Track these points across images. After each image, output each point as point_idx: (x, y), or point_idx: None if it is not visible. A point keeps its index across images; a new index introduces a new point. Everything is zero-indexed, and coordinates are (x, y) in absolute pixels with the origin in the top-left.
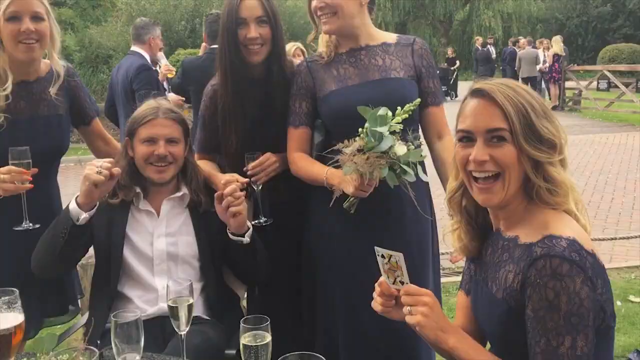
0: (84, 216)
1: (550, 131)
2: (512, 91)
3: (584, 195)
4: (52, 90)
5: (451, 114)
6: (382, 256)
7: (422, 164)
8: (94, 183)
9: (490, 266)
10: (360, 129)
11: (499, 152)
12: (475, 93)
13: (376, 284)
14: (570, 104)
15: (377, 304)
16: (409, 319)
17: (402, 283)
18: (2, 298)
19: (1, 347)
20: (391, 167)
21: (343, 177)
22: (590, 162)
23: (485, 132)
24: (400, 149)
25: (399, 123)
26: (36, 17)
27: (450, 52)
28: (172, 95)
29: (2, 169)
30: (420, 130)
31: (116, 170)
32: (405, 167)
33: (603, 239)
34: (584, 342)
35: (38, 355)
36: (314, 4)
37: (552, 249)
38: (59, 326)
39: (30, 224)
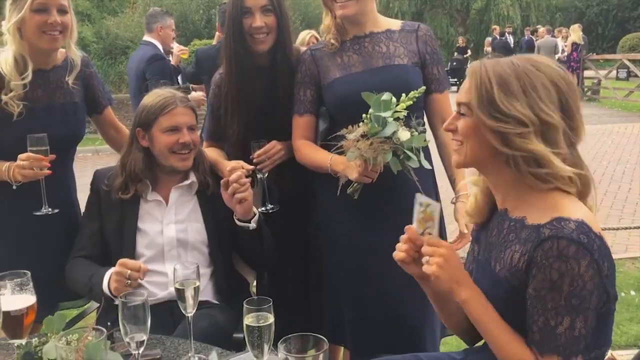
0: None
1: (517, 109)
2: (495, 68)
3: (601, 185)
4: (70, 79)
5: None
6: (421, 204)
7: (426, 151)
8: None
9: (494, 246)
10: (364, 115)
11: (459, 123)
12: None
13: (406, 228)
14: (589, 93)
15: (400, 251)
16: (425, 268)
17: (430, 235)
18: (15, 280)
19: (14, 327)
20: (395, 152)
21: (347, 163)
22: (608, 152)
23: (457, 105)
24: (404, 134)
25: (403, 109)
26: (62, 10)
27: (461, 41)
28: (194, 95)
29: (21, 155)
30: (425, 116)
31: (143, 273)
32: (408, 152)
33: (619, 229)
34: (582, 324)
35: (49, 334)
36: None
37: (560, 230)
38: (75, 310)
39: (50, 209)
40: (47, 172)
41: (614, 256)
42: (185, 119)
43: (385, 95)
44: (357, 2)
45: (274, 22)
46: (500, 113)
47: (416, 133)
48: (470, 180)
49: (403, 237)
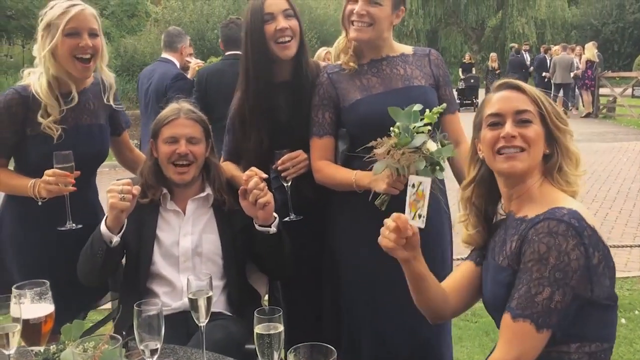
0: (116, 239)
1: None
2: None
3: (615, 203)
4: (110, 99)
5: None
6: (413, 185)
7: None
8: (121, 210)
9: (497, 244)
10: (391, 128)
11: (526, 130)
12: (503, 86)
13: (393, 217)
14: (604, 111)
15: (387, 239)
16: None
17: (420, 217)
18: (34, 289)
19: (33, 335)
20: (425, 163)
21: (374, 177)
22: (624, 170)
23: (514, 113)
24: (432, 145)
25: (427, 124)
26: (92, 33)
27: (467, 57)
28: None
29: (47, 171)
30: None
31: (136, 189)
32: (439, 161)
33: (633, 246)
34: (560, 298)
35: (66, 342)
36: (350, 7)
37: (552, 213)
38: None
39: (74, 224)
40: (72, 188)
41: (628, 274)
42: (185, 130)
43: (416, 107)
44: (373, 28)
45: (297, 26)
46: (563, 119)
47: (446, 143)
48: (457, 219)
49: (391, 224)
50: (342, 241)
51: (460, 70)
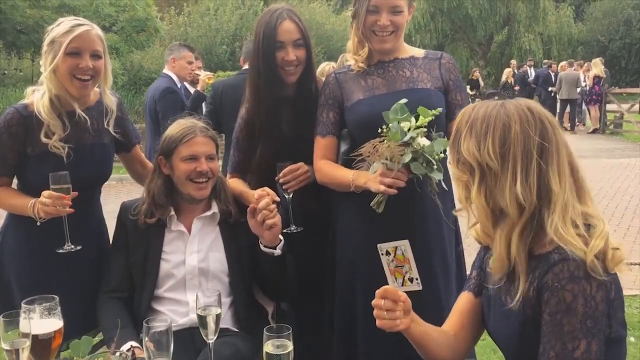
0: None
1: (469, 151)
2: (479, 111)
3: (623, 219)
4: (110, 125)
5: None
6: (387, 252)
7: (446, 175)
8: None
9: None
10: (383, 126)
11: None
12: None
13: (381, 294)
14: (611, 127)
15: (386, 320)
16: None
17: (412, 280)
18: (43, 304)
19: (41, 350)
20: (416, 158)
21: (369, 176)
22: (631, 186)
23: None
24: (424, 140)
25: (421, 126)
26: (95, 55)
27: (475, 74)
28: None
29: (44, 192)
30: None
31: None
32: (429, 157)
33: None
34: (597, 347)
35: (75, 358)
36: (372, 18)
37: (569, 253)
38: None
39: (72, 246)
40: (69, 210)
41: (637, 292)
42: (204, 149)
43: (402, 100)
44: (396, 35)
45: (304, 55)
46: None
47: (438, 137)
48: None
49: (386, 304)
50: (342, 241)
51: (468, 87)
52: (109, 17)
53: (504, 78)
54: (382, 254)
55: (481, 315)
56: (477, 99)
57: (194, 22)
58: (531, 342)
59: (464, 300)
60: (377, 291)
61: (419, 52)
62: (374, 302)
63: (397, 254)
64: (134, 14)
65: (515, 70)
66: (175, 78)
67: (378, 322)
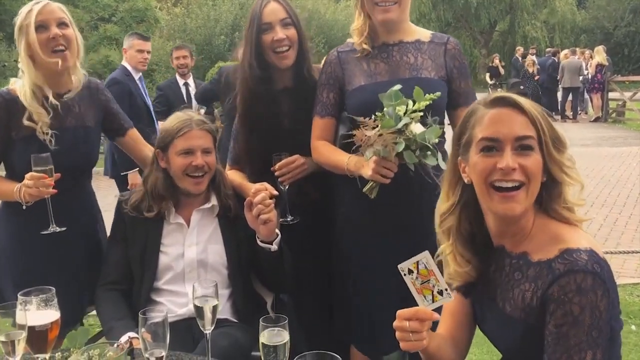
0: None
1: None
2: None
3: (625, 208)
4: (69, 95)
5: None
6: (410, 271)
7: (445, 155)
8: None
9: (499, 285)
10: (376, 112)
11: (526, 160)
12: (498, 102)
13: (413, 315)
14: (613, 115)
15: (412, 342)
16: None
17: (442, 293)
18: (40, 296)
19: (38, 342)
20: (408, 146)
21: (362, 162)
22: (633, 175)
23: (514, 139)
24: (417, 127)
25: (417, 111)
26: (61, 24)
27: (496, 61)
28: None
29: (26, 175)
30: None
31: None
32: (423, 143)
33: None
34: (601, 355)
35: (72, 349)
36: None
37: (574, 263)
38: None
39: (56, 227)
40: (52, 190)
41: (639, 280)
42: (199, 142)
43: (396, 87)
44: (400, 6)
45: (295, 35)
46: (560, 142)
47: (432, 124)
48: (441, 251)
49: (404, 326)
50: (342, 228)
51: (487, 75)
52: (109, 7)
53: (525, 67)
54: (405, 274)
55: (473, 315)
56: (498, 89)
57: (192, 13)
58: (533, 351)
59: (454, 304)
60: (406, 314)
61: (425, 35)
62: (395, 324)
63: (420, 270)
64: (133, 4)
65: (519, 58)
66: (129, 68)
67: (402, 345)
